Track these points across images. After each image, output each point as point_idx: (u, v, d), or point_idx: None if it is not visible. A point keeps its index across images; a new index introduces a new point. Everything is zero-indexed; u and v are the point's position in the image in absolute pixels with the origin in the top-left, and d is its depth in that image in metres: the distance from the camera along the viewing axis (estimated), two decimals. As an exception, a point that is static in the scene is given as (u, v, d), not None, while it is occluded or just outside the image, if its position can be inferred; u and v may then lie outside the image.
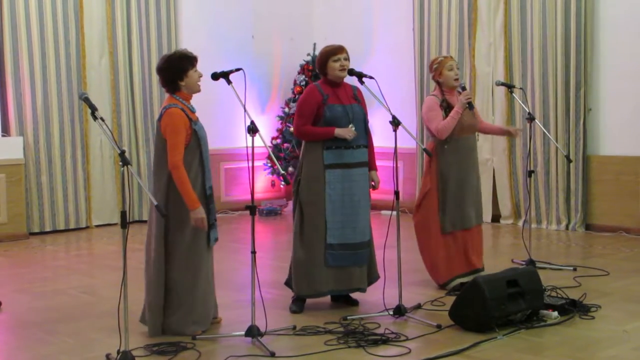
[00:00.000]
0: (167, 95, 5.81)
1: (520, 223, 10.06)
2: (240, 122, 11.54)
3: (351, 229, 6.34)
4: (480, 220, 7.11)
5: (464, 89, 6.88)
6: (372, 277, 6.56)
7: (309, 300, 6.44)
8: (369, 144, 6.50)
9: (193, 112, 5.76)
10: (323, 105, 6.26)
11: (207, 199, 5.74)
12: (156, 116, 5.67)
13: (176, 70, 5.70)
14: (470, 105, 6.83)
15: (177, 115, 5.59)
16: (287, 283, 6.53)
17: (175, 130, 5.56)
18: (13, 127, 10.31)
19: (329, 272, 6.32)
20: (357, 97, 6.44)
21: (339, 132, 6.21)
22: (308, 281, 6.32)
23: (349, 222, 6.33)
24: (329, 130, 6.23)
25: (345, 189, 6.30)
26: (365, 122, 6.42)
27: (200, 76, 5.78)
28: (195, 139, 5.66)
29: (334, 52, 6.32)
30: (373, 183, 6.51)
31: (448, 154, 6.91)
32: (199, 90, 5.80)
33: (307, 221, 6.31)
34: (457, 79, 6.91)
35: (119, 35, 11.12)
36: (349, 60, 6.35)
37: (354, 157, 6.32)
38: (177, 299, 5.72)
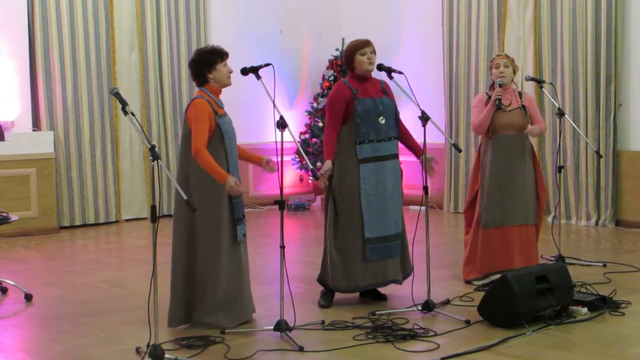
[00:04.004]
0: (197, 89, 5.85)
1: (550, 219, 9.99)
2: (269, 117, 11.59)
3: (386, 221, 6.35)
4: (530, 220, 7.02)
5: (500, 86, 6.89)
6: (407, 270, 6.56)
7: (337, 295, 6.45)
8: (405, 133, 6.52)
9: (220, 106, 5.78)
10: (353, 100, 6.27)
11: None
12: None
13: (205, 62, 5.75)
14: (498, 103, 6.84)
15: (201, 105, 5.64)
16: (320, 280, 6.50)
17: (199, 118, 5.59)
18: (44, 122, 10.39)
19: (366, 266, 6.33)
20: (385, 91, 6.45)
21: (327, 165, 6.25)
22: (346, 277, 6.31)
23: (383, 215, 6.33)
24: (328, 157, 6.27)
25: (378, 182, 6.31)
26: (396, 114, 6.43)
27: (230, 71, 5.80)
28: (219, 132, 5.67)
29: (361, 45, 6.33)
30: (432, 164, 6.35)
31: (491, 150, 6.99)
32: (228, 84, 5.83)
33: (342, 217, 6.32)
34: (503, 76, 6.93)
35: (148, 30, 11.17)
36: (375, 54, 6.37)
37: (386, 149, 6.33)
38: (201, 292, 5.76)
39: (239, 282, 5.86)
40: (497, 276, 6.78)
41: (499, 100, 6.87)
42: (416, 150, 6.54)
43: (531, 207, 7.04)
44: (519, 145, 7.00)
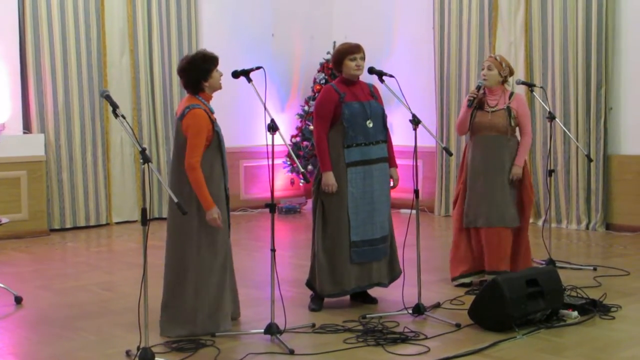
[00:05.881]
0: (187, 94, 5.81)
1: (540, 222, 10.02)
2: (260, 120, 11.60)
3: (371, 224, 6.34)
4: (506, 223, 6.92)
5: (478, 88, 6.93)
6: (395, 273, 6.56)
7: (327, 299, 6.43)
8: (387, 141, 6.51)
9: (212, 112, 5.76)
10: (341, 104, 6.26)
11: (227, 199, 5.76)
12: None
13: (200, 71, 5.67)
14: (470, 103, 6.86)
15: (201, 117, 5.56)
16: (309, 284, 6.50)
17: (198, 132, 5.53)
18: (34, 125, 10.37)
19: (352, 269, 6.32)
20: (373, 94, 6.45)
21: (330, 178, 6.23)
22: (332, 281, 6.31)
23: (369, 218, 6.33)
24: (326, 166, 6.24)
25: (366, 185, 6.31)
26: (383, 118, 6.42)
27: (221, 75, 5.78)
28: (217, 140, 5.65)
29: (351, 50, 6.31)
30: (392, 181, 6.52)
31: (472, 150, 7.03)
32: (220, 88, 5.82)
33: (329, 220, 6.31)
34: (485, 79, 6.97)
35: (139, 33, 11.16)
36: (364, 60, 6.36)
37: (374, 153, 6.33)
38: (206, 299, 5.70)
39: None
40: (475, 277, 7.04)
41: (471, 101, 6.89)
42: (390, 160, 6.53)
43: (510, 210, 6.97)
44: (497, 148, 6.96)
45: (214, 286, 5.69)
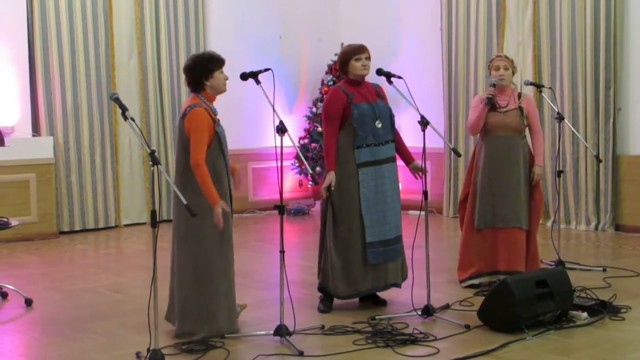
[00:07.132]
0: (191, 94, 5.82)
1: (549, 223, 10.00)
2: (268, 122, 11.60)
3: (387, 225, 6.33)
4: (521, 224, 6.93)
5: (493, 86, 6.91)
6: (404, 274, 6.56)
7: (337, 300, 6.43)
8: (397, 139, 6.51)
9: (215, 113, 5.75)
10: (349, 105, 6.26)
11: (230, 199, 5.76)
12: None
13: (203, 69, 5.69)
14: (488, 101, 6.86)
15: (201, 115, 5.56)
16: (321, 288, 6.47)
17: (199, 128, 5.52)
18: (43, 127, 10.39)
19: (367, 269, 6.31)
20: (379, 94, 6.45)
21: (329, 177, 6.23)
22: (347, 282, 6.29)
23: (384, 219, 6.32)
24: (330, 166, 6.24)
25: (377, 185, 6.30)
26: (391, 117, 6.42)
27: (226, 78, 5.77)
28: (217, 140, 5.64)
29: (357, 51, 6.32)
30: (420, 174, 6.44)
31: (484, 150, 7.01)
32: (224, 91, 5.80)
33: (341, 222, 6.29)
34: (502, 78, 6.95)
35: (147, 35, 11.18)
36: (370, 60, 6.36)
37: (384, 153, 6.33)
38: (216, 300, 5.71)
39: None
40: (486, 278, 7.00)
41: (489, 99, 6.88)
42: (407, 157, 6.54)
43: (525, 210, 7.00)
44: (512, 147, 6.97)
45: (227, 287, 5.71)
